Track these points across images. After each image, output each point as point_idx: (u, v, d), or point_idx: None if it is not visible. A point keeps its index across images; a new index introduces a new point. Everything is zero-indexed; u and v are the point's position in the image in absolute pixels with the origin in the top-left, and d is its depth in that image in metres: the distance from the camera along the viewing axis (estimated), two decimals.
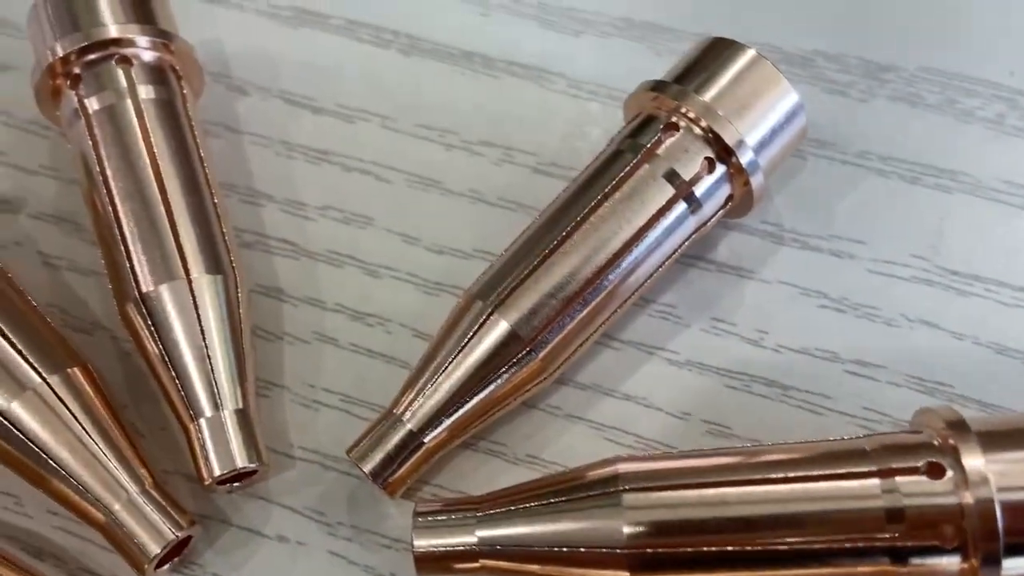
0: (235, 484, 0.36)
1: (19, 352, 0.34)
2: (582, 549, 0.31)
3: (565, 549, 0.31)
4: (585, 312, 0.35)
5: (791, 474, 0.31)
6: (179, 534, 0.34)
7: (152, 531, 0.34)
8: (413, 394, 0.35)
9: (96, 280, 0.41)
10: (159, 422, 0.39)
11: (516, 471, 0.37)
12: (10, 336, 0.35)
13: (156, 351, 0.36)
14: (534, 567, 0.32)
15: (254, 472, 0.36)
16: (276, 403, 0.39)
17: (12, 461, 0.34)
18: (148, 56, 0.40)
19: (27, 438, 0.34)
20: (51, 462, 0.34)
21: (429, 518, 0.33)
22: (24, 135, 0.45)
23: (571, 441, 0.38)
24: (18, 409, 0.34)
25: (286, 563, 0.36)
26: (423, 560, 0.33)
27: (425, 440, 0.35)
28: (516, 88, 0.46)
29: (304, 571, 0.36)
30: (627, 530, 0.31)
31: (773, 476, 0.31)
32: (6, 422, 0.34)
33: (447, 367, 0.35)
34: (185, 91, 0.41)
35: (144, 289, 0.36)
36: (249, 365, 0.37)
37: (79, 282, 0.41)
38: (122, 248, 0.37)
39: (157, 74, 0.40)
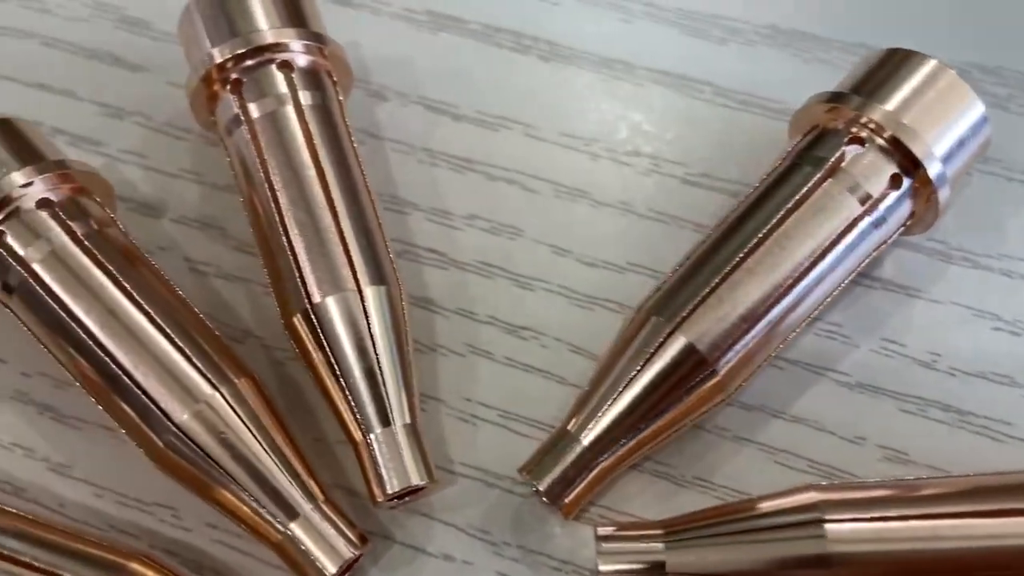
0: (400, 500, 0.35)
1: (191, 363, 0.34)
2: None
3: None
4: (768, 331, 0.34)
5: (1002, 507, 0.30)
6: (355, 552, 0.33)
7: (329, 549, 0.33)
8: (588, 412, 0.34)
9: (245, 287, 0.41)
10: (313, 433, 0.38)
11: (685, 494, 0.36)
12: (182, 347, 0.34)
13: (323, 363, 0.35)
14: None
15: (421, 489, 0.35)
16: (433, 417, 0.38)
17: (185, 475, 0.34)
18: (303, 60, 0.39)
19: (202, 452, 0.33)
20: (225, 477, 0.33)
21: (613, 543, 0.32)
22: (162, 137, 0.44)
23: (741, 464, 0.37)
24: (191, 423, 0.33)
25: None
26: None
27: (602, 460, 0.34)
28: (661, 96, 0.45)
29: None
30: (832, 562, 0.30)
31: (984, 509, 0.30)
32: (181, 435, 0.33)
33: (625, 385, 0.34)
34: (340, 97, 0.40)
35: (312, 300, 0.35)
36: (414, 378, 0.36)
37: (227, 289, 0.41)
38: (289, 258, 0.36)
39: (313, 79, 0.39)
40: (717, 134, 0.44)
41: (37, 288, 0.35)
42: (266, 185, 0.37)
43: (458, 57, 0.46)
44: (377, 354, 0.35)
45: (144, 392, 0.33)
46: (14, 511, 0.33)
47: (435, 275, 0.41)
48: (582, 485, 0.34)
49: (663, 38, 0.47)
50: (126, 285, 0.35)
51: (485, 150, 0.44)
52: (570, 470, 0.34)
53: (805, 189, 0.35)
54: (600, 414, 0.34)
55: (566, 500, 0.34)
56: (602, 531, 0.33)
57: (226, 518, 0.34)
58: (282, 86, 0.38)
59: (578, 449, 0.34)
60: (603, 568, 0.32)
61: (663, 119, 0.44)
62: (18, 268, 0.35)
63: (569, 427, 0.34)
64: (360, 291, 0.36)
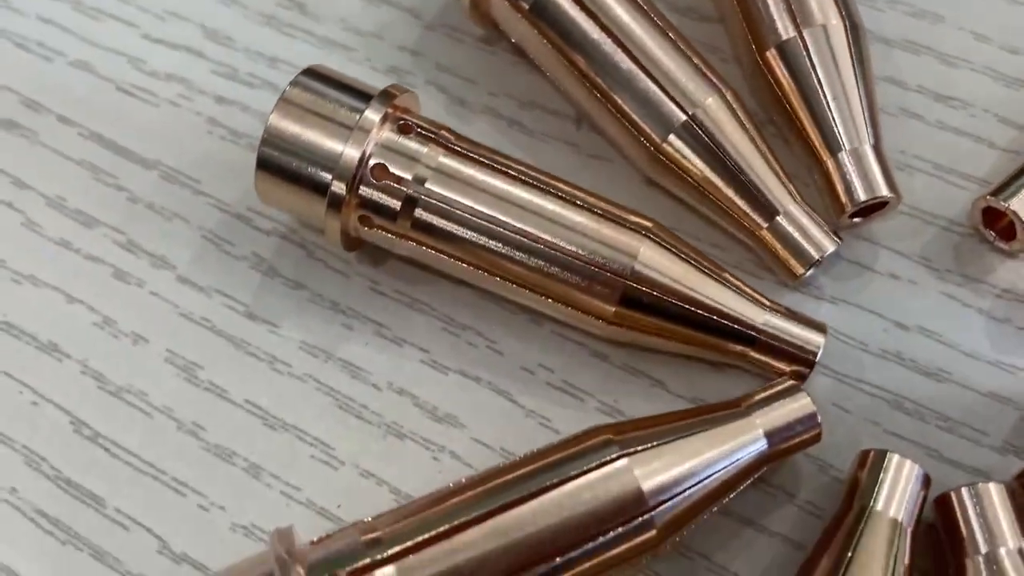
0: (858, 217, 0.39)
1: (694, 68, 0.38)
2: None
3: None
4: None
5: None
6: (835, 245, 0.37)
7: (811, 240, 0.37)
8: None
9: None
10: None
11: None
12: (683, 55, 0.38)
13: (796, 92, 0.39)
14: None
15: (882, 206, 0.38)
16: None
17: (677, 175, 0.38)
18: None
19: (707, 146, 0.37)
20: (719, 171, 0.37)
21: None
22: None
23: None
24: (692, 122, 0.37)
25: (900, 296, 0.38)
26: None
27: None
28: None
29: (919, 307, 0.38)
30: None
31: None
32: (692, 127, 0.37)
33: None
34: None
35: (785, 36, 0.39)
36: (878, 108, 0.39)
37: None
38: None
39: None
40: None
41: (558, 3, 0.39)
42: None
43: None
44: (844, 84, 0.38)
45: (660, 87, 0.37)
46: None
47: None
48: None
49: None
50: None
51: None
52: None
53: None
54: None
55: None
56: None
57: (708, 212, 0.38)
58: None
59: None
60: None
61: None
62: None
63: None
64: (829, 26, 0.39)
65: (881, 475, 0.32)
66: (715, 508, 0.33)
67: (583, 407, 0.37)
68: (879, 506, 0.32)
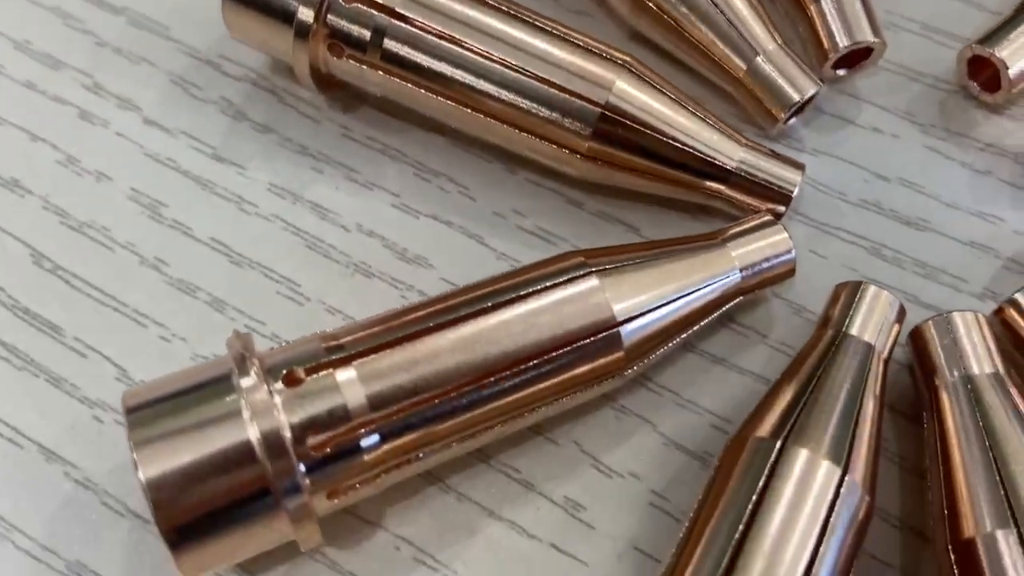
0: (837, 71, 0.38)
1: None
2: None
3: None
4: None
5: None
6: (816, 89, 0.36)
7: (792, 83, 0.36)
8: None
9: None
10: None
11: None
12: None
13: None
14: None
15: (862, 58, 0.37)
16: None
17: (658, 18, 0.37)
18: None
19: None
20: (698, 14, 0.36)
21: None
22: None
23: None
24: None
25: (882, 149, 0.38)
26: None
27: None
28: None
29: (901, 160, 0.37)
30: None
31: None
32: None
33: None
34: None
35: None
36: None
37: None
38: None
39: None
40: None
41: None
42: None
43: None
44: None
45: None
46: None
47: None
48: None
49: None
50: None
51: None
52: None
53: None
54: None
55: (1013, 73, 0.36)
56: None
57: (689, 60, 0.38)
58: None
59: None
60: None
61: None
62: None
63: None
64: None
65: (856, 303, 0.32)
66: (684, 336, 0.32)
67: (556, 251, 0.36)
68: (853, 330, 0.31)
